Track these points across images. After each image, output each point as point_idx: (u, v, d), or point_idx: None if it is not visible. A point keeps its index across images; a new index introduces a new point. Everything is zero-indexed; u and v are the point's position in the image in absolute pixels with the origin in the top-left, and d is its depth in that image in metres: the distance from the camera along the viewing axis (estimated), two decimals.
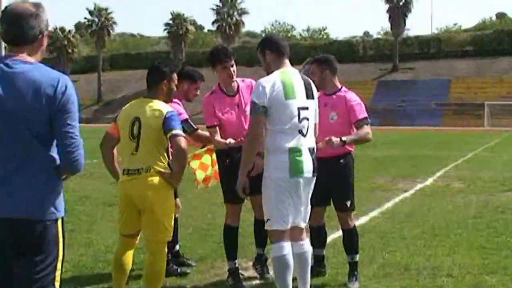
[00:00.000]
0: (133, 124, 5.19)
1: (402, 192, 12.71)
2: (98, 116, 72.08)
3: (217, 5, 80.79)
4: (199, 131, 6.61)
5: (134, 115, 5.24)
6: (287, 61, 5.19)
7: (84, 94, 76.31)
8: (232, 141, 5.98)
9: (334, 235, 7.73)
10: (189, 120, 6.49)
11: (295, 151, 4.92)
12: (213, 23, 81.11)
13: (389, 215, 9.99)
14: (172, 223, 5.30)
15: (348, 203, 6.27)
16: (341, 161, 6.17)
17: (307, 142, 5.02)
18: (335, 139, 5.81)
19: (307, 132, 5.03)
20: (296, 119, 4.94)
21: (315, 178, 5.13)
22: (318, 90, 6.08)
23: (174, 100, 6.45)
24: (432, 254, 7.24)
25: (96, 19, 78.53)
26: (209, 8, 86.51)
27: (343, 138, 5.89)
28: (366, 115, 6.25)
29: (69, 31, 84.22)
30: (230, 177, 6.24)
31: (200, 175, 6.90)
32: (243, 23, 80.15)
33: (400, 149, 25.61)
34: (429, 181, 14.72)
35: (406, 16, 74.82)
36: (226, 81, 6.26)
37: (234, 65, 6.26)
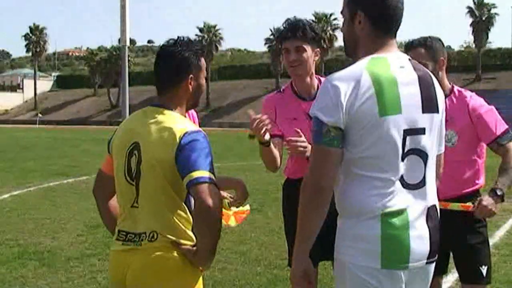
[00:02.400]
0: (130, 153, 2.65)
1: (509, 213, 9.35)
2: (206, 121, 71.92)
3: (313, 21, 78.82)
4: None
5: (133, 138, 2.66)
6: (392, 43, 2.37)
7: None
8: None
9: None
10: None
11: (393, 218, 2.21)
12: None
13: (507, 251, 7.01)
14: None
15: (484, 270, 3.49)
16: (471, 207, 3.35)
17: (421, 198, 2.29)
18: (487, 201, 3.23)
19: (423, 179, 2.30)
20: (397, 154, 2.23)
21: (433, 264, 2.39)
22: None
23: None
24: None
25: (206, 36, 77.62)
26: None
27: (498, 190, 3.26)
28: (506, 125, 3.53)
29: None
30: (293, 228, 3.72)
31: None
32: (336, 37, 77.27)
33: (491, 158, 21.96)
34: None
35: (489, 29, 70.73)
36: (291, 74, 3.62)
37: (308, 50, 3.51)
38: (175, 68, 2.69)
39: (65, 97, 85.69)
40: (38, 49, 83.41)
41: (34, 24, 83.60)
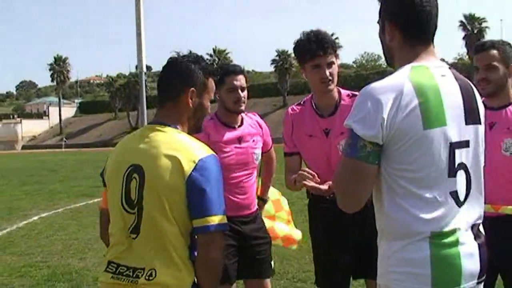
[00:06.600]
0: (128, 177, 2.27)
1: None
2: None
3: None
4: None
5: (131, 160, 2.29)
6: (429, 50, 2.07)
7: None
8: (313, 185, 2.93)
9: None
10: None
11: (444, 238, 1.92)
12: None
13: None
14: None
15: None
16: None
17: (468, 214, 2.00)
18: None
19: (469, 194, 2.01)
20: (444, 170, 1.93)
21: (482, 284, 2.06)
22: (483, 97, 2.97)
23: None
24: None
25: (216, 59, 77.73)
26: None
27: None
28: None
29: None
30: (324, 248, 3.41)
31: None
32: (338, 56, 77.45)
33: None
34: None
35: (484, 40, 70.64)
36: (319, 89, 3.25)
37: (335, 64, 3.24)
38: (177, 77, 2.37)
39: (88, 121, 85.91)
40: (62, 78, 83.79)
41: (57, 55, 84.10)
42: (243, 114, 3.77)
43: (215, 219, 2.16)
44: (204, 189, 2.16)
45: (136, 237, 2.25)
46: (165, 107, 2.38)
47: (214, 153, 2.30)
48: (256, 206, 3.84)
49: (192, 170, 2.17)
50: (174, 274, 2.20)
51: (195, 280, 2.25)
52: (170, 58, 2.45)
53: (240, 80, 3.63)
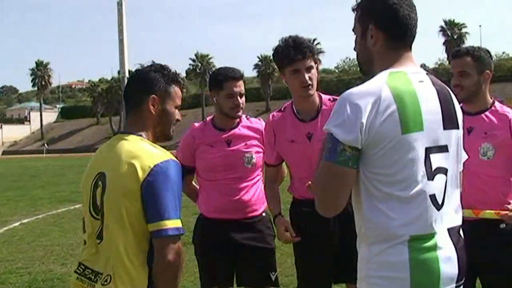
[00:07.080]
0: (95, 185, 2.34)
1: None
2: None
3: None
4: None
5: (98, 168, 2.37)
6: (408, 56, 2.08)
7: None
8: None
9: None
10: None
11: (422, 241, 1.93)
12: None
13: None
14: None
15: None
16: (503, 225, 3.06)
17: (447, 219, 2.01)
18: None
19: (446, 198, 2.02)
20: (422, 173, 1.94)
21: (461, 287, 2.08)
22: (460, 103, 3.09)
23: None
24: None
25: (199, 64, 77.72)
26: None
27: None
28: None
29: (178, 74, 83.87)
30: (305, 253, 3.43)
31: None
32: (320, 61, 77.45)
33: None
34: None
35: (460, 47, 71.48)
36: (299, 94, 3.27)
37: (314, 68, 3.26)
38: (137, 86, 2.43)
39: (70, 127, 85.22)
40: (43, 83, 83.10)
41: (39, 60, 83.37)
42: (243, 117, 3.70)
43: (169, 224, 2.18)
44: (158, 193, 2.19)
45: (100, 242, 2.31)
46: (130, 116, 2.44)
47: (174, 158, 2.31)
48: (258, 212, 3.66)
49: (147, 175, 2.20)
50: (129, 279, 2.22)
51: (152, 284, 2.26)
52: (135, 69, 2.50)
53: (240, 86, 3.57)
